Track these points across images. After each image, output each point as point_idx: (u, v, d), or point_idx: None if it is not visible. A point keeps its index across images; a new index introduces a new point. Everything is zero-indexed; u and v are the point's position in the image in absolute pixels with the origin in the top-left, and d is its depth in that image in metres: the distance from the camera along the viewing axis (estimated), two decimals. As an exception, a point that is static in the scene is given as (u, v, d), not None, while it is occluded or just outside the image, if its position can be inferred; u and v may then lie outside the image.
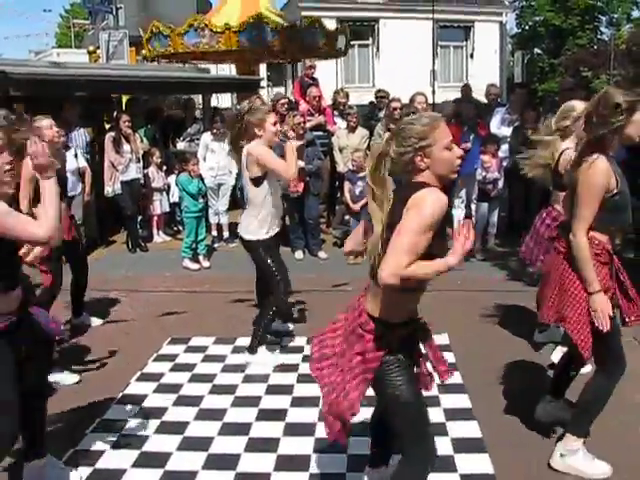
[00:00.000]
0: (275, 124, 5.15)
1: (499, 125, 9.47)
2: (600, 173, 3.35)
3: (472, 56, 29.99)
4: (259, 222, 5.08)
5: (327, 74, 20.20)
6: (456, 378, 4.62)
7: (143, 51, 14.11)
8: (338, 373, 2.87)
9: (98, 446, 4.03)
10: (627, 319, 3.55)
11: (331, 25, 15.05)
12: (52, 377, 4.63)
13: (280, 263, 5.25)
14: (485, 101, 10.91)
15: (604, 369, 3.58)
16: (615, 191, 3.38)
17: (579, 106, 4.58)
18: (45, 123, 5.35)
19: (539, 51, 46.78)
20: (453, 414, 4.33)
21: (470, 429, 4.15)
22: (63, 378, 4.93)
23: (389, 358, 2.77)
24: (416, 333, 2.93)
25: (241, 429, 4.23)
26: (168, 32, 12.87)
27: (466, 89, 11.35)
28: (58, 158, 3.97)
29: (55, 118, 5.64)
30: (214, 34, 12.21)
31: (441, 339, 5.35)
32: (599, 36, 49.45)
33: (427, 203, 2.57)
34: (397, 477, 2.96)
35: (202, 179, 8.67)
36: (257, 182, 5.01)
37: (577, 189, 3.41)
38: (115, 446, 4.04)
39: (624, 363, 3.58)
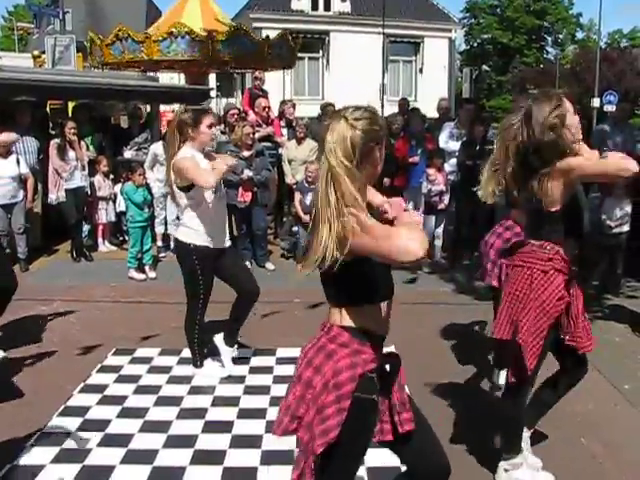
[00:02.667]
0: (211, 127, 4.88)
1: (447, 140, 9.57)
2: None
3: (421, 71, 30.47)
4: (195, 229, 4.82)
5: (277, 86, 20.27)
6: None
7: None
8: (307, 408, 2.36)
9: (38, 460, 3.91)
10: (563, 336, 3.45)
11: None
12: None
13: (234, 279, 5.10)
14: (431, 115, 11.09)
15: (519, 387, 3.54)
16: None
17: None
18: None
19: (487, 68, 47.84)
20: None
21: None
22: None
23: (360, 396, 2.33)
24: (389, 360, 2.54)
25: (187, 441, 4.17)
26: (99, 42, 12.78)
27: (402, 103, 11.49)
28: None
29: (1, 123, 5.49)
30: (137, 44, 12.17)
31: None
32: (545, 55, 50.97)
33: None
34: None
35: (149, 188, 8.57)
36: (186, 189, 4.77)
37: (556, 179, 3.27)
38: (56, 460, 3.93)
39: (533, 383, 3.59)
